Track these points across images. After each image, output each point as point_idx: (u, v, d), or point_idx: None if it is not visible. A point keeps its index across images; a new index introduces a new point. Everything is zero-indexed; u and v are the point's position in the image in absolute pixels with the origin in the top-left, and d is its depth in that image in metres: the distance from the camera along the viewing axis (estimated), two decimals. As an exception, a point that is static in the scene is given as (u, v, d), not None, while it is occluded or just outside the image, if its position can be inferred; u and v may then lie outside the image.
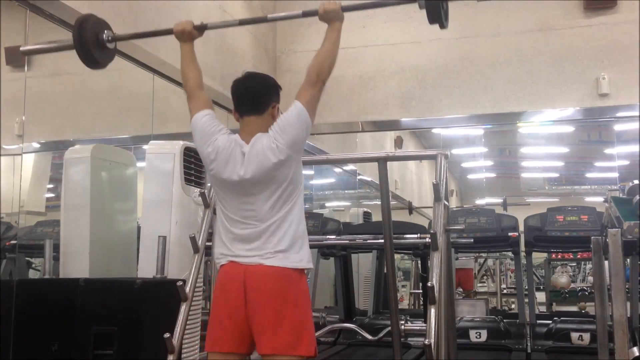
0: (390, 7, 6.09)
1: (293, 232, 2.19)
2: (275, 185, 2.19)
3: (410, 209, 7.07)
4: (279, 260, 2.15)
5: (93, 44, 2.61)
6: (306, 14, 2.47)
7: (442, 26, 2.44)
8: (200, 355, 3.31)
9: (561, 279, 7.22)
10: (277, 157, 2.16)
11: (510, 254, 6.35)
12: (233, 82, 2.32)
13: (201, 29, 2.51)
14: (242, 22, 2.79)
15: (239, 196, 2.22)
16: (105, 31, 2.67)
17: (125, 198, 4.03)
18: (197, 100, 2.38)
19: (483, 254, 7.54)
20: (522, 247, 5.10)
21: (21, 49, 2.89)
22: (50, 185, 4.34)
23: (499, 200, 7.38)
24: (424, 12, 2.40)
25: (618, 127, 6.11)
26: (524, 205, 5.28)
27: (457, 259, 6.53)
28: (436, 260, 2.50)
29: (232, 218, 2.23)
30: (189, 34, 2.52)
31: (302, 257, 2.20)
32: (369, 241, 4.19)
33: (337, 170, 7.95)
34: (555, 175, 8.33)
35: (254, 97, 2.26)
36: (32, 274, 4.07)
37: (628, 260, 3.93)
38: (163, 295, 3.01)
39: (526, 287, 5.18)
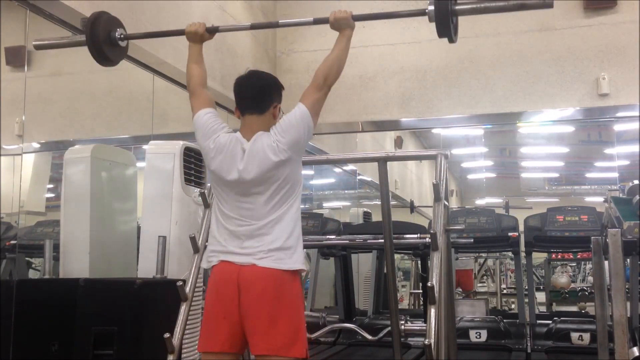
0: (390, 7, 6.13)
1: (288, 233, 2.19)
2: (274, 185, 2.19)
3: (412, 207, 7.08)
4: (272, 262, 2.15)
5: (105, 42, 2.63)
6: (317, 21, 2.50)
7: (451, 40, 2.46)
8: (199, 355, 3.31)
9: (561, 279, 7.22)
10: (277, 156, 2.17)
11: (510, 254, 6.36)
12: (236, 80, 2.34)
13: (212, 31, 2.54)
14: (254, 27, 2.81)
15: (237, 194, 2.23)
16: (118, 29, 2.68)
17: (125, 198, 4.03)
18: (200, 98, 2.40)
19: (483, 254, 7.54)
20: (522, 247, 5.10)
21: (33, 43, 2.89)
22: (50, 185, 4.34)
23: (499, 200, 7.39)
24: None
25: (618, 127, 6.11)
26: (526, 208, 5.28)
27: (457, 259, 6.53)
28: (436, 260, 2.50)
29: (228, 215, 2.24)
30: (201, 36, 2.56)
31: (295, 260, 2.20)
32: (369, 241, 4.19)
33: (337, 170, 7.95)
34: (555, 175, 8.33)
35: (255, 97, 2.27)
36: (32, 274, 4.07)
37: (628, 260, 3.93)
38: (163, 295, 3.01)
39: (526, 287, 5.18)
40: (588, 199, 7.77)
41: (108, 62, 2.71)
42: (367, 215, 7.12)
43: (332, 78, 2.29)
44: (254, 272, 2.14)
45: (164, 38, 4.38)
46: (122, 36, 2.69)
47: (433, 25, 2.40)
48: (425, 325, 2.36)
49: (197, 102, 2.39)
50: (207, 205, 2.93)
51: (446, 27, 2.37)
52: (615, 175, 6.04)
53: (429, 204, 2.88)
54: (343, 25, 2.36)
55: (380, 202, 2.92)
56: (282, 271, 2.15)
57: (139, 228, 3.76)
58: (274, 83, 2.34)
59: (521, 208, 5.28)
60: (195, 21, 2.58)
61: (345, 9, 2.39)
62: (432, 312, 2.36)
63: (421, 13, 2.41)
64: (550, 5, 2.31)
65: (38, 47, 2.90)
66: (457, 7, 2.43)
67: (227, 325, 2.15)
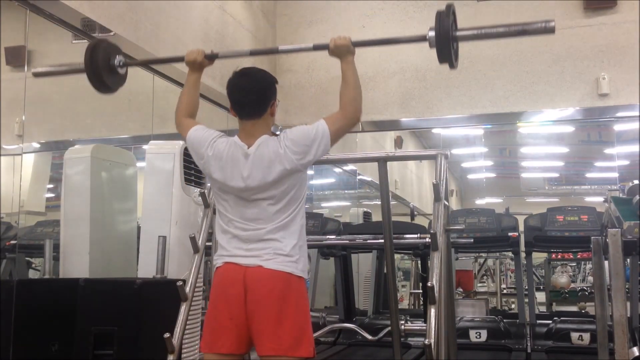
0: (390, 8, 6.14)
1: (293, 242, 2.18)
2: (278, 191, 2.17)
3: (412, 215, 7.08)
4: (278, 264, 2.14)
5: (104, 69, 2.62)
6: (317, 47, 2.46)
7: (452, 66, 2.45)
8: (200, 355, 3.31)
9: (561, 279, 7.22)
10: (282, 164, 2.15)
11: (510, 254, 6.36)
12: (228, 83, 2.26)
13: (212, 57, 2.50)
14: (253, 53, 2.79)
15: (241, 199, 2.20)
16: (117, 56, 2.67)
17: (125, 198, 4.04)
18: (186, 125, 2.36)
19: (483, 254, 7.54)
20: (522, 247, 5.10)
21: (32, 71, 2.92)
22: (50, 185, 4.34)
23: (499, 200, 7.39)
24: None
25: (618, 127, 6.11)
26: (527, 214, 5.27)
27: (457, 259, 6.53)
28: (436, 260, 2.50)
29: (232, 219, 2.22)
30: (200, 64, 2.49)
31: (299, 268, 2.19)
32: (369, 241, 4.19)
33: (337, 170, 7.95)
34: (555, 175, 8.33)
35: (253, 103, 2.22)
36: (32, 274, 4.07)
37: (628, 260, 3.93)
38: (163, 295, 3.01)
39: (526, 287, 5.18)
40: (588, 199, 7.76)
41: (107, 89, 2.70)
42: (367, 215, 7.12)
43: (360, 111, 2.28)
44: (260, 273, 2.13)
45: (164, 37, 4.39)
46: (121, 63, 2.69)
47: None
48: (425, 325, 2.36)
49: (184, 128, 2.36)
50: (207, 205, 2.93)
51: (447, 53, 2.36)
52: (615, 175, 6.05)
53: (429, 207, 2.88)
54: (344, 52, 2.32)
55: (380, 202, 2.92)
56: (288, 274, 2.14)
57: (139, 228, 3.76)
58: (269, 82, 2.28)
59: (522, 214, 5.28)
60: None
61: (344, 35, 2.33)
62: (432, 312, 2.35)
63: (422, 39, 2.40)
64: (552, 31, 2.29)
65: (37, 75, 2.91)
66: (458, 34, 2.43)
67: (233, 326, 2.13)
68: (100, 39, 2.71)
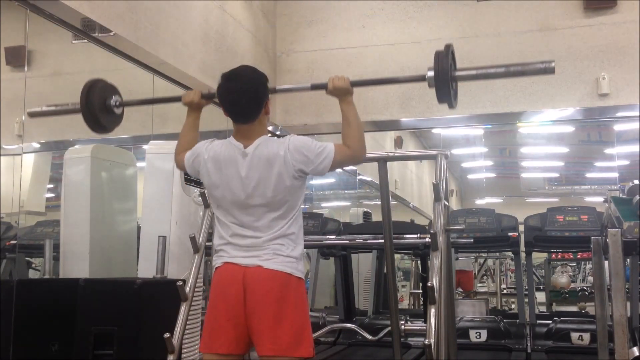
0: (390, 8, 6.14)
1: (292, 247, 2.18)
2: (276, 200, 2.16)
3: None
4: (277, 264, 2.14)
5: (100, 110, 2.61)
6: (315, 87, 2.44)
7: (451, 106, 2.42)
8: (200, 355, 3.31)
9: (561, 279, 7.23)
10: (280, 168, 2.14)
11: (510, 254, 6.36)
12: (218, 88, 2.23)
13: (209, 97, 2.44)
14: None
15: (238, 206, 2.20)
16: (113, 96, 2.66)
17: (125, 198, 4.04)
18: (183, 155, 2.38)
19: (483, 254, 7.55)
20: (522, 247, 5.11)
21: (27, 111, 2.92)
22: (50, 185, 4.34)
23: (499, 200, 7.39)
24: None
25: (618, 127, 6.12)
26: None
27: (457, 259, 6.54)
28: (436, 260, 2.50)
29: (230, 226, 2.21)
30: (197, 105, 2.48)
31: (299, 267, 2.19)
32: (369, 241, 4.19)
33: (337, 170, 7.95)
34: (555, 175, 8.34)
35: (246, 107, 2.19)
36: (32, 274, 4.07)
37: (628, 260, 3.94)
38: (163, 295, 3.01)
39: (526, 287, 5.18)
40: (588, 199, 7.77)
41: (103, 130, 2.69)
42: (367, 215, 7.12)
43: (364, 148, 2.36)
44: (259, 273, 2.13)
45: (164, 37, 4.39)
46: (117, 103, 2.67)
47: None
48: (425, 325, 2.36)
49: (179, 159, 2.40)
50: (207, 205, 2.93)
51: (446, 93, 2.33)
52: (615, 175, 6.05)
53: (429, 207, 2.88)
54: (342, 93, 2.32)
55: (380, 202, 2.92)
56: (287, 274, 2.14)
57: (139, 228, 3.76)
58: (260, 82, 2.23)
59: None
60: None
61: (342, 75, 2.31)
62: (432, 312, 2.35)
63: (421, 79, 2.38)
64: (552, 72, 2.26)
65: (32, 115, 2.90)
66: (457, 74, 2.40)
67: (232, 326, 2.13)
68: (96, 79, 2.67)
